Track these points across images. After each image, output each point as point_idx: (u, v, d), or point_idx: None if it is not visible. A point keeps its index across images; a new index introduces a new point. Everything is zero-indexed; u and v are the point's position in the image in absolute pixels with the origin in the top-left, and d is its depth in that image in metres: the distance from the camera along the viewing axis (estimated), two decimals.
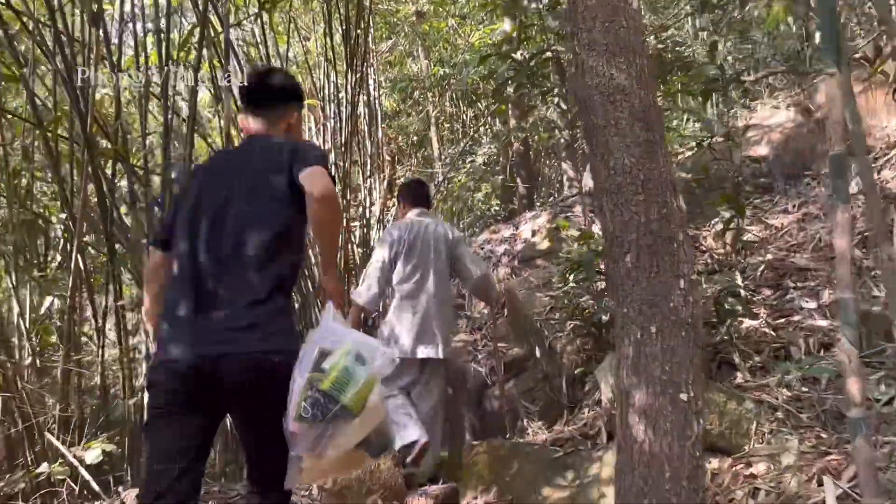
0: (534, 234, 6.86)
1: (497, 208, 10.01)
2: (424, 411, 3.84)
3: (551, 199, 8.13)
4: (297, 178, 2.00)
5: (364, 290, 3.89)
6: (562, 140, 10.04)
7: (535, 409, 4.77)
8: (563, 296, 4.27)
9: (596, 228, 6.15)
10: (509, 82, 5.18)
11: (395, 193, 4.82)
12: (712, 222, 5.67)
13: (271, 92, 2.31)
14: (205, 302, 1.96)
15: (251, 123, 2.29)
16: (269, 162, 2.11)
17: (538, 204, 8.11)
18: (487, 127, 14.13)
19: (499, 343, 5.12)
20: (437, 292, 3.94)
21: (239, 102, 2.65)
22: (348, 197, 8.28)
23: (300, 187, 1.99)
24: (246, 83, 2.35)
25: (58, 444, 3.73)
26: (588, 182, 8.05)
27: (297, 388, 1.84)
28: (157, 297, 2.17)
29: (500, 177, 9.97)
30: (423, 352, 3.83)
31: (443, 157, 12.57)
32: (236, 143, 3.59)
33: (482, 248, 7.23)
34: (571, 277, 4.09)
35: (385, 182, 8.03)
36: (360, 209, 7.27)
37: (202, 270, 2.00)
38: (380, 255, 3.94)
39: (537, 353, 5.06)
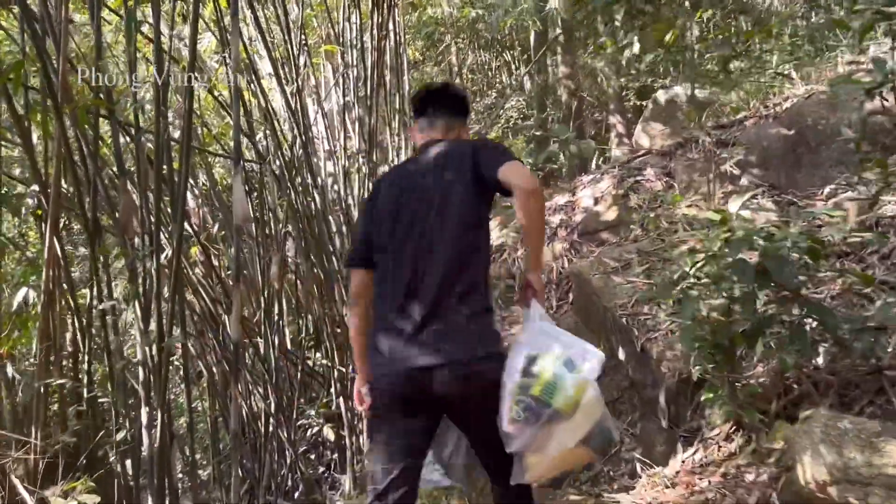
0: (596, 201, 5.86)
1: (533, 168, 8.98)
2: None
3: (605, 159, 7.11)
4: (496, 175, 2.00)
5: None
6: (610, 90, 8.97)
7: (623, 427, 3.86)
8: (689, 295, 3.19)
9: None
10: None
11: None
12: (824, 191, 4.66)
13: (448, 103, 2.35)
14: (417, 313, 2.00)
15: (426, 133, 2.32)
16: (457, 163, 2.11)
17: (595, 166, 7.08)
18: (515, 78, 12.94)
19: None
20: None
21: (411, 113, 2.57)
22: (375, 158, 7.28)
23: (495, 184, 2.03)
24: (421, 93, 2.38)
25: (24, 492, 2.85)
26: (643, 138, 7.03)
27: (507, 392, 1.92)
28: (365, 316, 2.19)
29: (539, 132, 8.91)
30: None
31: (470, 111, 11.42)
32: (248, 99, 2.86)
33: None
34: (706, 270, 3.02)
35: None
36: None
37: (412, 283, 2.03)
38: None
39: (621, 355, 4.13)
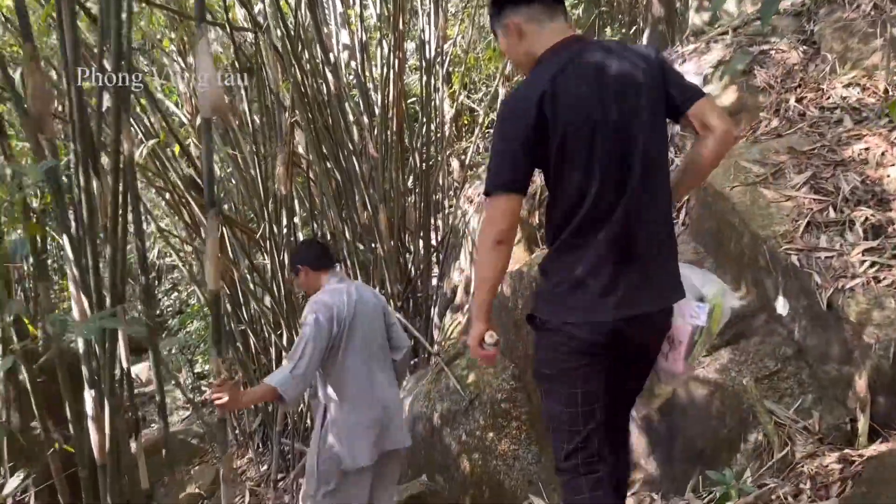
0: (705, 80, 4.35)
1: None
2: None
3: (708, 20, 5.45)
4: (688, 108, 1.77)
5: (298, 380, 2.71)
6: None
7: (788, 417, 2.61)
8: None
9: None
10: None
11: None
12: None
13: None
14: (626, 254, 1.74)
15: (544, 26, 1.82)
16: (650, 79, 1.76)
17: (690, 33, 5.45)
18: None
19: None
20: (391, 382, 3.05)
21: (513, 1, 1.84)
22: (401, 26, 5.70)
23: (678, 117, 1.80)
24: None
25: None
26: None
27: (689, 334, 1.84)
28: (509, 256, 1.82)
29: None
30: (391, 445, 2.98)
31: None
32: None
33: None
34: None
35: None
36: None
37: (616, 216, 1.73)
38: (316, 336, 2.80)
39: (780, 308, 2.82)
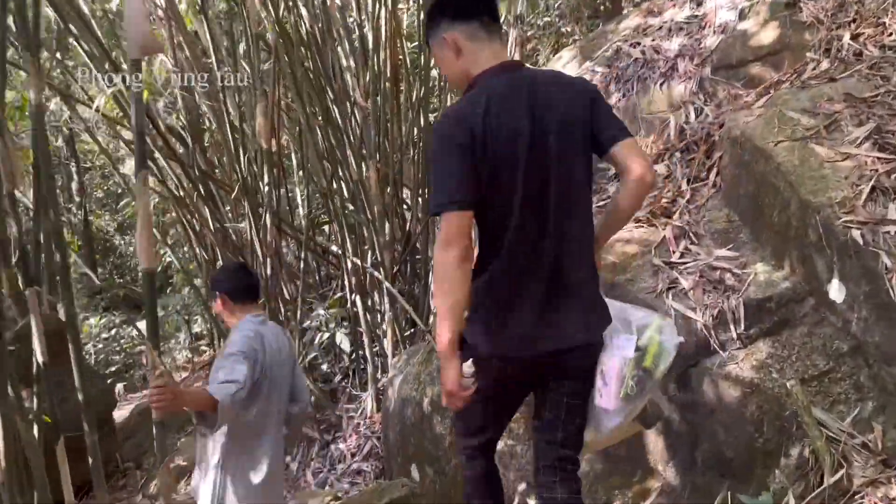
0: (742, 14, 3.72)
1: None
2: None
3: None
4: (611, 147, 1.73)
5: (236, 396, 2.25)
6: None
7: (843, 431, 2.12)
8: None
9: None
10: None
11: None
12: None
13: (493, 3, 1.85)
14: (549, 287, 1.76)
15: (484, 46, 1.77)
16: (581, 111, 1.75)
17: None
18: None
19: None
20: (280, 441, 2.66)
21: (451, 15, 1.79)
22: None
23: (601, 154, 1.77)
24: None
25: None
26: None
27: (618, 368, 1.82)
28: (469, 273, 1.74)
29: None
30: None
31: None
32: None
33: (628, 48, 4.13)
34: None
35: None
36: None
37: (541, 245, 1.74)
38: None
39: (834, 294, 2.30)
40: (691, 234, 2.85)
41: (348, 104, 4.90)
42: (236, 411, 2.25)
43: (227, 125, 5.02)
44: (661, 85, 3.79)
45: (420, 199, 5.33)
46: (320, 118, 4.81)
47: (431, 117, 5.87)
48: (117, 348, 9.55)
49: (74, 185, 11.52)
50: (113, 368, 9.42)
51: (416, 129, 5.35)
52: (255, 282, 2.71)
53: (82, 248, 10.04)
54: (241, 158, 4.75)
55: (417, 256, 5.38)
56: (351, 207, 4.89)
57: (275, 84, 4.68)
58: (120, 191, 10.48)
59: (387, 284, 4.39)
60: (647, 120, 3.80)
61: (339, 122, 4.89)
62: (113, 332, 9.77)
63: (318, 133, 4.91)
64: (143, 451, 6.76)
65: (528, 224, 1.70)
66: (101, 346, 9.49)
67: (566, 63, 4.66)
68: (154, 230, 2.05)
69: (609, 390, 1.83)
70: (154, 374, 2.08)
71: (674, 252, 2.79)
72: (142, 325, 7.89)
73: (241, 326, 2.51)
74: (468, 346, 1.76)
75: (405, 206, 5.68)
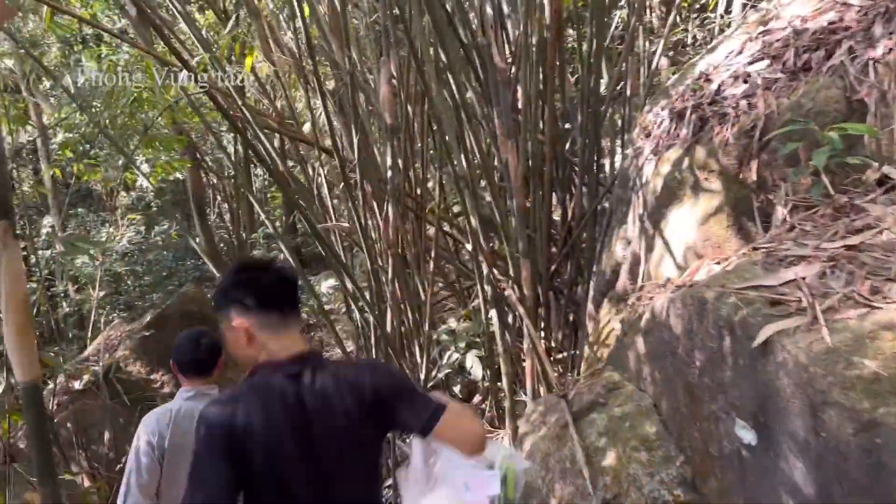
0: None
1: None
2: None
3: None
4: (430, 433, 1.62)
5: None
6: None
7: None
8: None
9: None
10: None
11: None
12: None
13: (294, 287, 1.73)
14: None
15: (279, 335, 1.64)
16: (356, 408, 1.61)
17: None
18: None
19: None
20: None
21: (245, 303, 1.66)
22: None
23: (422, 437, 1.70)
24: (263, 276, 1.67)
25: None
26: None
27: None
28: None
29: None
30: None
31: None
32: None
33: None
34: None
35: None
36: None
37: None
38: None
39: None
40: None
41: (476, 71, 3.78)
42: None
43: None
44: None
45: (585, 188, 4.12)
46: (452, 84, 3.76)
47: (604, 80, 4.56)
48: None
49: None
50: None
51: (578, 94, 4.11)
52: (201, 357, 2.56)
53: None
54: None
55: (582, 246, 4.19)
56: (487, 199, 3.83)
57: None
58: None
59: (521, 311, 3.29)
60: None
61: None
62: None
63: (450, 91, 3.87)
64: None
65: None
66: None
67: None
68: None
69: None
70: None
71: None
72: None
73: (165, 405, 2.55)
74: None
75: (572, 185, 4.50)
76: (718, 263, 2.31)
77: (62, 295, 9.29)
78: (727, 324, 1.75)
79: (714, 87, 2.92)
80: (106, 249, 8.36)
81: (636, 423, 2.26)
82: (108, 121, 6.64)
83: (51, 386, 4.98)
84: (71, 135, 7.37)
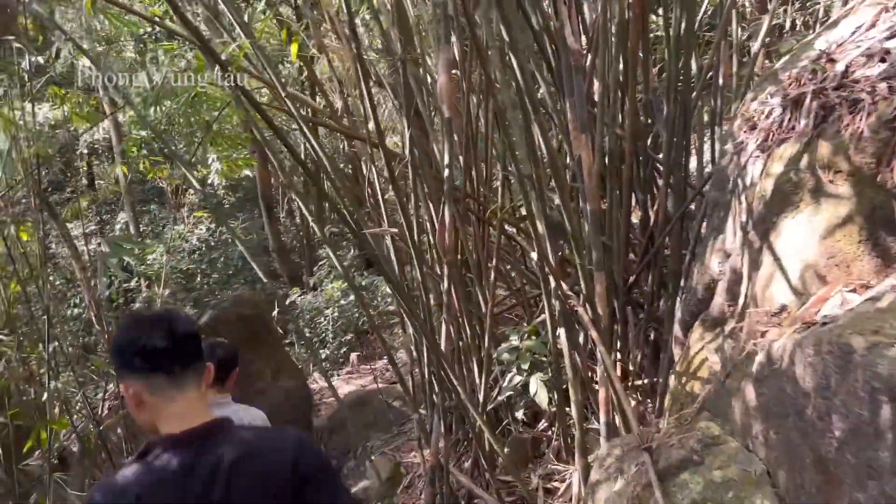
0: None
1: None
2: None
3: None
4: None
5: None
6: None
7: None
8: None
9: None
10: None
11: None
12: None
13: (195, 343, 1.52)
14: None
15: (173, 399, 1.44)
16: (264, 495, 1.42)
17: None
18: None
19: None
20: None
21: (133, 365, 1.47)
22: None
23: None
24: (139, 338, 1.44)
25: None
26: None
27: None
28: None
29: None
30: None
31: None
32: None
33: None
34: None
35: None
36: None
37: None
38: None
39: None
40: None
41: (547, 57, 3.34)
42: None
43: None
44: None
45: (673, 178, 3.61)
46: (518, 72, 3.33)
47: (694, 66, 4.02)
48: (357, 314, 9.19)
49: None
50: (348, 337, 9.21)
51: (665, 80, 3.59)
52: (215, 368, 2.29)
53: None
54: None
55: (666, 253, 3.67)
56: (556, 201, 3.37)
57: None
58: None
59: (594, 335, 2.81)
60: None
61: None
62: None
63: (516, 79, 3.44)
64: (348, 450, 6.18)
65: None
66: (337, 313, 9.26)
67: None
68: None
69: None
70: None
71: None
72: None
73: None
74: None
75: (654, 186, 3.99)
76: (855, 292, 1.79)
77: (133, 290, 9.40)
78: (886, 386, 1.25)
79: (840, 67, 2.37)
80: (171, 248, 8.35)
81: (744, 493, 1.77)
82: (172, 119, 6.55)
83: (101, 391, 4.88)
84: (137, 133, 7.35)
